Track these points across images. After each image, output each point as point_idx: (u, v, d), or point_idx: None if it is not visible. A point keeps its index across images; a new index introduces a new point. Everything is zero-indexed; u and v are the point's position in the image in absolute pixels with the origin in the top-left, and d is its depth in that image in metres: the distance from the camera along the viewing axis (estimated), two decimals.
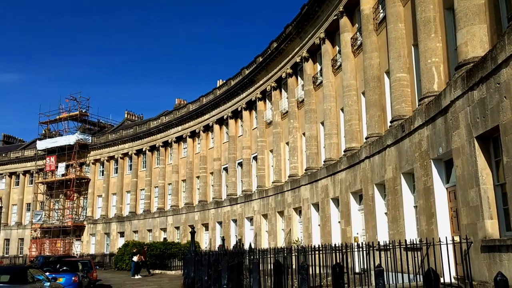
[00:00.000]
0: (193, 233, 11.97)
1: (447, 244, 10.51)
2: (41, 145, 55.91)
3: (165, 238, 42.99)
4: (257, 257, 12.30)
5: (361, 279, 13.25)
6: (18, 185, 59.87)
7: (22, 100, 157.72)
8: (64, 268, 19.94)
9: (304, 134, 27.19)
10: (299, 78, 29.10)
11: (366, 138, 18.79)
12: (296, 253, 12.78)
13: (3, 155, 61.61)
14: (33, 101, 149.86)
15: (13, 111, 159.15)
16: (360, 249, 12.47)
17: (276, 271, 7.79)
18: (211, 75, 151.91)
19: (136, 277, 28.38)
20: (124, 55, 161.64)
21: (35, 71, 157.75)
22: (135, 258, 29.62)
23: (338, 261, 10.88)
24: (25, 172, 59.44)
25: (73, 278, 18.45)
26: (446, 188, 12.76)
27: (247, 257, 14.43)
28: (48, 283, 15.52)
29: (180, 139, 45.70)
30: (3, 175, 60.63)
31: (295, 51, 28.31)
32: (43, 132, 59.44)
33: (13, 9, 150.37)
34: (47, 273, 17.08)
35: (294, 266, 12.94)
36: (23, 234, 57.51)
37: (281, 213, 28.86)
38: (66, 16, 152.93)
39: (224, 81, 40.58)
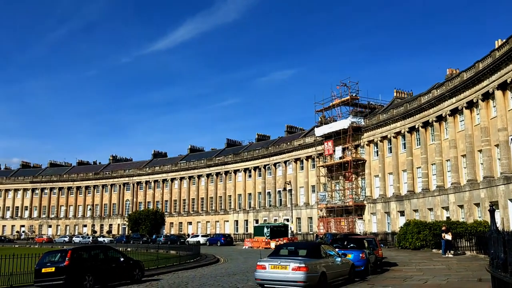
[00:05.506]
0: (492, 211, 10.90)
1: None
2: (319, 131, 60.42)
3: (448, 217, 40.77)
4: None
5: None
6: (302, 169, 66.27)
7: (299, 92, 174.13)
8: (352, 245, 20.95)
9: None
10: None
11: None
12: None
13: (288, 143, 69.21)
14: (308, 92, 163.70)
15: (293, 103, 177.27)
16: None
17: None
18: (484, 38, 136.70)
19: (449, 255, 28.22)
20: (385, 34, 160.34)
21: (307, 64, 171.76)
22: (448, 236, 29.20)
23: None
24: (307, 158, 65.30)
25: (360, 254, 19.20)
26: None
27: None
28: (339, 259, 16.56)
29: (455, 112, 42.47)
30: (289, 161, 68.12)
31: None
32: (319, 119, 64.07)
33: (280, 12, 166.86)
34: (336, 249, 18.26)
35: None
36: (311, 213, 63.39)
37: None
38: (323, 8, 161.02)
39: (505, 40, 35.59)
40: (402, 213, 49.07)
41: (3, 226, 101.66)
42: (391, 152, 52.34)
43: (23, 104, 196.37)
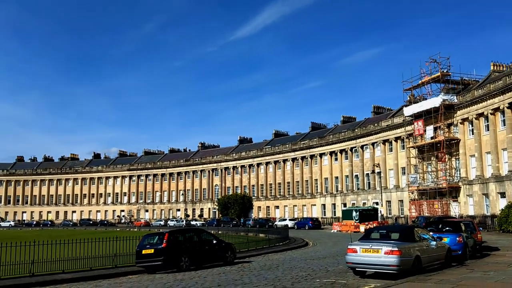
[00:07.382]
0: None
1: None
2: (408, 111, 57.94)
3: None
4: None
5: None
6: (391, 151, 64.13)
7: (385, 72, 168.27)
8: (447, 228, 20.01)
9: None
10: None
11: None
12: None
13: (376, 124, 67.21)
14: (394, 70, 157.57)
15: (379, 83, 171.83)
16: None
17: None
18: None
19: None
20: (477, 4, 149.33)
21: (393, 42, 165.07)
22: None
23: None
24: (396, 139, 63.04)
25: (457, 238, 18.28)
26: None
27: None
28: (434, 242, 15.91)
29: None
30: (377, 143, 66.20)
31: None
32: (408, 98, 61.39)
33: None
34: (431, 233, 17.51)
35: None
36: (402, 196, 61.29)
37: None
38: None
39: None
40: (502, 194, 45.86)
41: (105, 211, 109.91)
42: (488, 130, 48.94)
43: (120, 97, 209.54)
